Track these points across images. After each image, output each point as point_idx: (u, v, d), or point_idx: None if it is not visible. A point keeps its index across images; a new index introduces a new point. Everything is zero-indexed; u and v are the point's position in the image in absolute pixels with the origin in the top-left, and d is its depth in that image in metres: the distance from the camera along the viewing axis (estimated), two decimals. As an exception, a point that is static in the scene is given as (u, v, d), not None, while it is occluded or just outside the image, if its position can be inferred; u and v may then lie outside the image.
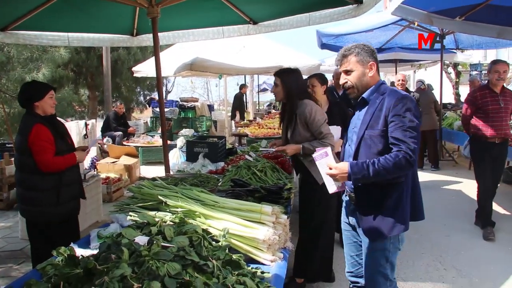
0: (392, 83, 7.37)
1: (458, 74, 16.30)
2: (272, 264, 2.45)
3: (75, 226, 3.81)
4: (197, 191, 2.91)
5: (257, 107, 23.21)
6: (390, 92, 2.48)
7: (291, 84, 3.67)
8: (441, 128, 9.33)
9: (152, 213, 2.67)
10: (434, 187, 7.41)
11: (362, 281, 2.81)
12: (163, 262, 1.84)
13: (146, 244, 1.97)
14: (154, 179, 3.38)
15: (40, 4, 4.90)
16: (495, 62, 5.30)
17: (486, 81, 5.43)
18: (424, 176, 8.11)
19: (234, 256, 2.22)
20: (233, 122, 13.42)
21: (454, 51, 11.84)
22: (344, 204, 2.83)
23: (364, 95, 2.57)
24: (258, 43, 9.83)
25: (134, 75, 10.99)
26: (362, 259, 2.76)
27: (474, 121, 5.30)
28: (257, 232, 2.50)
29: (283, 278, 2.37)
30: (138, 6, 5.19)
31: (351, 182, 2.50)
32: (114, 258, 1.85)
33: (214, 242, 2.32)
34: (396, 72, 15.42)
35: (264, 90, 27.89)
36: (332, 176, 2.46)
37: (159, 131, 11.79)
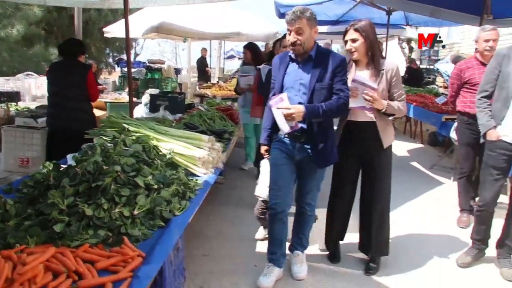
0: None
1: (410, 49, 17.41)
2: (205, 176, 3.36)
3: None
4: (153, 123, 3.80)
5: (223, 73, 23.68)
6: (332, 53, 3.28)
7: (373, 37, 3.40)
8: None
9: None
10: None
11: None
12: (123, 157, 2.73)
13: (112, 146, 2.87)
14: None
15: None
16: (484, 29, 4.43)
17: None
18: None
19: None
20: (197, 84, 14.09)
21: (404, 26, 12.67)
22: (289, 145, 3.39)
23: (311, 53, 3.23)
24: (221, 10, 10.44)
25: (105, 35, 11.43)
26: (292, 188, 3.53)
27: (461, 97, 4.79)
28: (194, 152, 3.40)
29: (210, 184, 3.29)
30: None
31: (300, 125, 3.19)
32: (89, 154, 2.73)
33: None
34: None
35: (231, 57, 27.14)
36: (289, 115, 3.02)
37: (127, 90, 12.43)
